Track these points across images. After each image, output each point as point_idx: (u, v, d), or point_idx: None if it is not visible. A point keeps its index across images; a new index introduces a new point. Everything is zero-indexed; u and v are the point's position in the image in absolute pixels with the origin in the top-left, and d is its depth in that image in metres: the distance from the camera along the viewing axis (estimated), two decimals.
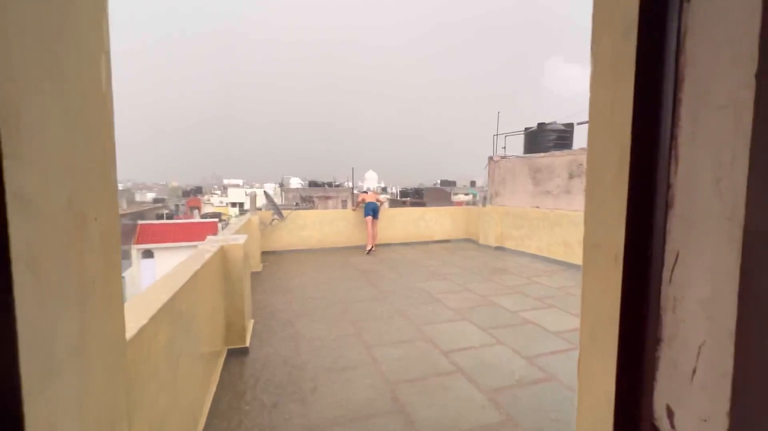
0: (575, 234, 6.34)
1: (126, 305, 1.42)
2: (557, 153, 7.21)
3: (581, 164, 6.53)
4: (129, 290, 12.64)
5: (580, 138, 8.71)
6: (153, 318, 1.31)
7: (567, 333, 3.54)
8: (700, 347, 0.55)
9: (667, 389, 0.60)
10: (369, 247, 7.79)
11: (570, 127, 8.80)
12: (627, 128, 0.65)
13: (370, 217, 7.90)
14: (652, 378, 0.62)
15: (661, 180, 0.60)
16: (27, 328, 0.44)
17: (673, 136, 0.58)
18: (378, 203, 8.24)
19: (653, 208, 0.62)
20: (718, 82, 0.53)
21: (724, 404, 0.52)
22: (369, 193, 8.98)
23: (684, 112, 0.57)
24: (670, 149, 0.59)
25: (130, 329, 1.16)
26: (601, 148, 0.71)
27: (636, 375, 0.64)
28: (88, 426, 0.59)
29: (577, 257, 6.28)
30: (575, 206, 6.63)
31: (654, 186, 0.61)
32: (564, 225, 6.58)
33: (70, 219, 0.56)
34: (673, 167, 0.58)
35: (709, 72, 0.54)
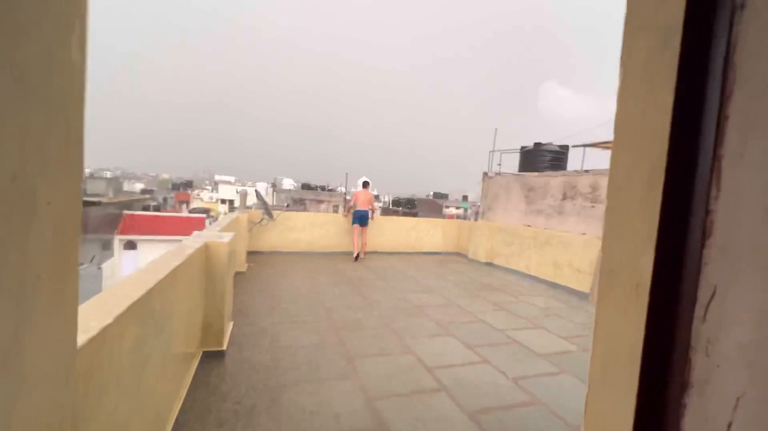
0: (565, 255, 6.34)
1: (92, 300, 1.31)
2: (552, 173, 7.25)
3: (575, 186, 6.57)
4: (107, 282, 12.23)
5: (575, 160, 8.82)
6: (119, 317, 1.20)
7: (554, 356, 3.48)
8: (738, 398, 0.48)
9: None
10: (356, 253, 7.49)
11: (565, 148, 8.90)
12: (659, 144, 0.59)
13: (357, 225, 7.53)
14: (677, 428, 0.54)
15: (698, 204, 0.54)
16: None
17: (716, 157, 0.52)
18: (370, 210, 7.77)
19: (687, 235, 0.55)
20: None
21: None
22: (364, 190, 7.75)
23: (730, 131, 0.51)
24: (712, 171, 0.52)
25: (92, 329, 1.05)
26: (628, 165, 0.65)
27: (657, 423, 0.57)
28: None
29: (565, 278, 6.28)
30: (567, 227, 6.65)
31: (689, 210, 0.55)
32: (554, 245, 6.58)
33: (14, 201, 0.47)
34: (714, 191, 0.52)
35: (763, 87, 0.48)
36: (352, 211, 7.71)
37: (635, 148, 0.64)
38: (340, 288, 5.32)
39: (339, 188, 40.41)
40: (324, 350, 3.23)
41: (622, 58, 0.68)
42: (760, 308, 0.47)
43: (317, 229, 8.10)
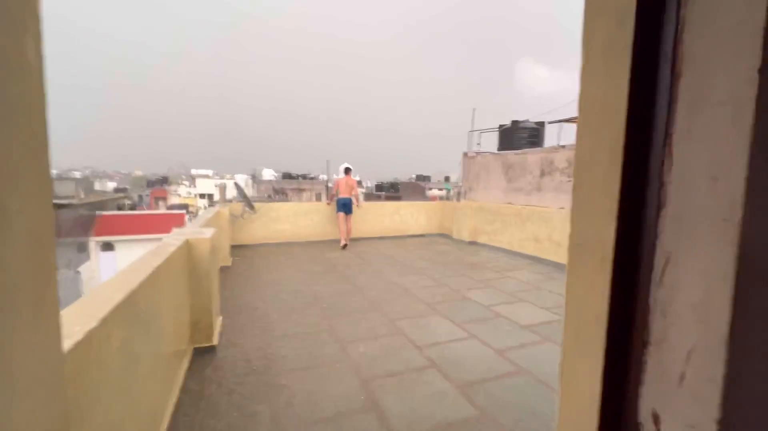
0: (545, 230, 6.54)
1: (75, 305, 1.29)
2: (529, 150, 7.38)
3: (552, 162, 6.72)
4: (87, 285, 11.86)
5: (550, 137, 8.97)
6: (104, 320, 1.19)
7: (537, 326, 3.64)
8: (689, 351, 0.53)
9: (653, 394, 0.58)
10: (342, 243, 7.49)
11: (541, 125, 9.04)
12: (619, 124, 0.62)
13: (342, 214, 7.51)
14: (639, 382, 0.60)
15: (653, 178, 0.58)
16: None
17: (667, 133, 0.56)
18: (353, 198, 7.70)
19: (644, 208, 0.59)
20: (718, 77, 0.50)
21: (713, 411, 0.51)
22: (346, 176, 7.67)
23: (680, 108, 0.54)
24: (664, 146, 0.56)
25: (76, 333, 1.04)
26: (591, 144, 0.69)
27: (622, 378, 0.62)
28: None
29: (546, 252, 6.49)
30: (545, 203, 6.83)
31: (646, 184, 0.59)
32: (534, 221, 6.77)
33: None
34: (667, 165, 0.56)
35: (708, 66, 0.51)
36: (334, 199, 7.66)
37: (597, 127, 0.67)
38: (328, 276, 5.35)
39: (320, 176, 39.96)
40: (315, 337, 3.28)
41: (583, 40, 0.70)
42: (707, 270, 0.51)
43: (301, 219, 8.05)
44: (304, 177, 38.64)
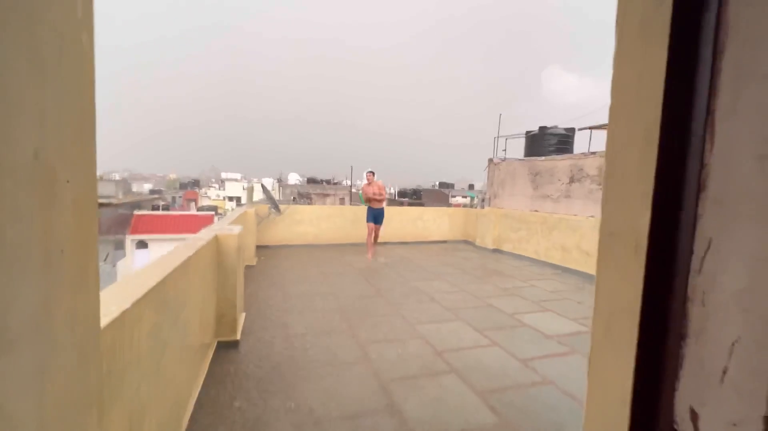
0: (573, 238, 6.31)
1: (110, 288, 1.36)
2: (558, 157, 7.18)
3: (582, 169, 6.50)
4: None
5: (581, 143, 8.69)
6: (137, 303, 1.25)
7: (563, 337, 3.50)
8: (733, 343, 0.50)
9: (691, 389, 0.55)
10: (370, 255, 6.77)
11: (571, 131, 8.78)
12: (655, 104, 0.59)
13: (372, 224, 6.67)
14: (675, 377, 0.56)
15: (693, 160, 0.55)
16: None
17: (709, 111, 0.53)
18: (383, 204, 6.85)
19: (683, 192, 0.56)
20: (766, 50, 0.48)
21: (759, 407, 0.47)
22: (373, 183, 6.75)
23: (723, 83, 0.51)
24: (705, 125, 0.53)
25: (112, 312, 1.10)
26: (624, 127, 0.66)
27: (656, 373, 0.59)
28: (47, 411, 0.52)
29: (574, 262, 6.26)
30: (574, 211, 6.60)
31: (684, 167, 0.56)
32: (562, 230, 6.55)
33: (36, 177, 0.50)
34: (708, 145, 0.53)
35: (754, 39, 0.49)
36: (367, 204, 6.81)
37: (632, 110, 0.65)
38: (349, 278, 5.38)
39: (344, 181, 40.46)
40: (335, 337, 3.29)
41: (617, 21, 0.68)
42: (753, 255, 0.48)
43: (324, 222, 8.16)
44: (329, 182, 39.26)
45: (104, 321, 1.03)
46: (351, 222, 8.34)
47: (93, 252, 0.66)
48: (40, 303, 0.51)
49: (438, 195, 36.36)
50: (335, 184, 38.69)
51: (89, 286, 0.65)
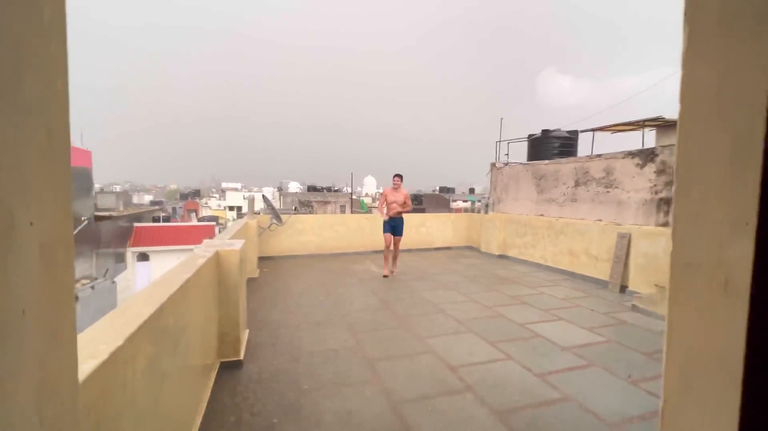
0: (581, 243, 6.18)
1: (102, 321, 1.24)
2: (563, 160, 7.08)
3: (587, 171, 6.39)
4: (121, 295, 12.37)
5: (584, 146, 8.61)
6: (131, 338, 1.13)
7: (580, 348, 3.36)
8: None
9: None
10: (385, 272, 6.07)
11: (574, 134, 8.70)
12: (746, 110, 0.49)
13: (389, 235, 5.93)
14: None
15: None
16: None
17: None
18: (403, 214, 6.01)
19: None
20: None
21: None
22: (397, 189, 5.94)
23: None
24: None
25: (101, 353, 0.98)
26: (702, 138, 0.55)
27: None
28: None
29: (583, 267, 6.12)
30: (581, 214, 6.48)
31: None
32: (569, 234, 6.43)
33: None
34: None
35: None
36: (384, 212, 6.07)
37: (711, 117, 0.54)
38: (354, 290, 5.25)
39: (345, 188, 40.42)
40: (342, 354, 3.16)
41: (686, 14, 0.57)
42: None
43: (326, 231, 8.05)
44: (329, 189, 39.22)
45: (91, 365, 0.91)
46: (353, 231, 8.23)
47: (68, 305, 0.55)
48: None
49: (439, 199, 36.28)
50: (336, 191, 38.66)
51: (63, 347, 0.54)
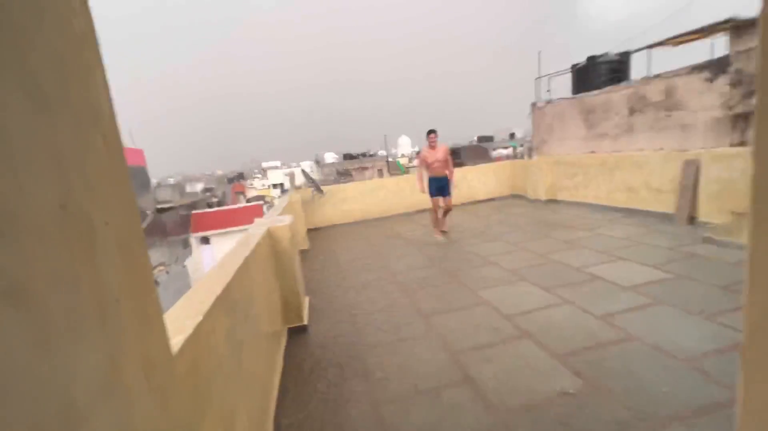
0: (639, 176, 5.70)
1: (181, 301, 1.39)
2: (613, 88, 6.39)
3: (644, 96, 5.74)
4: (194, 276, 13.75)
5: (639, 69, 7.63)
6: (208, 313, 1.26)
7: (643, 286, 3.21)
8: None
9: None
10: (438, 234, 5.68)
11: (625, 56, 7.73)
12: None
13: (436, 198, 5.46)
14: None
15: None
16: (21, 382, 0.33)
17: None
18: (447, 171, 5.42)
19: None
20: None
21: None
22: (435, 147, 5.35)
23: None
24: None
25: (187, 328, 1.11)
26: None
27: None
28: None
29: (643, 202, 5.69)
30: (639, 145, 5.92)
31: None
32: (626, 169, 5.93)
33: (68, 229, 0.43)
34: None
35: None
36: (424, 180, 5.58)
37: None
38: (402, 250, 5.35)
39: (379, 152, 40.13)
40: (398, 311, 3.30)
41: None
42: None
43: (368, 197, 8.15)
44: (364, 155, 39.18)
45: (180, 338, 1.04)
46: (394, 193, 8.25)
47: (150, 289, 0.62)
48: (107, 364, 0.46)
49: (477, 150, 34.86)
50: (372, 156, 38.53)
51: (153, 326, 0.61)
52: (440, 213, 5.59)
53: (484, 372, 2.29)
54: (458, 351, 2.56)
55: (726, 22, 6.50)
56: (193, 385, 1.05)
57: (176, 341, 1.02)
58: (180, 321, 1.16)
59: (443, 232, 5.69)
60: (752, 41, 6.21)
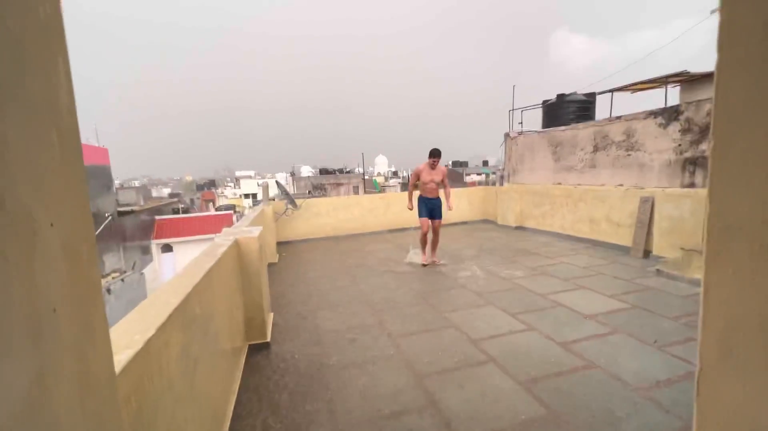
0: (601, 210, 6.03)
1: (134, 312, 1.29)
2: (580, 125, 6.81)
3: (606, 135, 6.15)
4: (151, 286, 12.93)
5: (602, 109, 8.22)
6: (162, 327, 1.18)
7: (603, 316, 3.34)
8: None
9: None
10: (423, 260, 5.27)
11: (591, 97, 8.31)
12: None
13: (426, 219, 5.10)
14: None
15: None
16: None
17: None
18: (444, 192, 5.12)
19: None
20: None
21: None
22: (430, 162, 4.99)
23: None
24: None
25: (136, 343, 1.03)
26: (742, 89, 0.51)
27: None
28: None
29: (603, 234, 5.99)
30: (601, 180, 6.29)
31: None
32: (589, 201, 6.27)
33: (6, 228, 0.39)
34: None
35: None
36: (415, 196, 5.23)
37: (755, 66, 0.49)
38: (372, 269, 5.31)
39: (356, 169, 40.30)
40: (365, 331, 3.23)
41: None
42: None
43: (341, 212, 8.09)
44: (341, 171, 39.19)
45: (127, 354, 0.95)
46: (368, 210, 8.25)
47: (97, 300, 0.56)
48: (31, 383, 0.41)
49: (452, 174, 35.82)
50: (348, 172, 38.60)
51: (96, 340, 0.55)
52: (425, 238, 5.22)
53: (451, 398, 2.26)
54: (424, 375, 2.52)
55: (679, 74, 7.18)
56: (136, 409, 0.97)
57: (121, 358, 0.94)
58: (129, 336, 1.07)
59: (432, 262, 5.31)
60: (701, 93, 6.86)
